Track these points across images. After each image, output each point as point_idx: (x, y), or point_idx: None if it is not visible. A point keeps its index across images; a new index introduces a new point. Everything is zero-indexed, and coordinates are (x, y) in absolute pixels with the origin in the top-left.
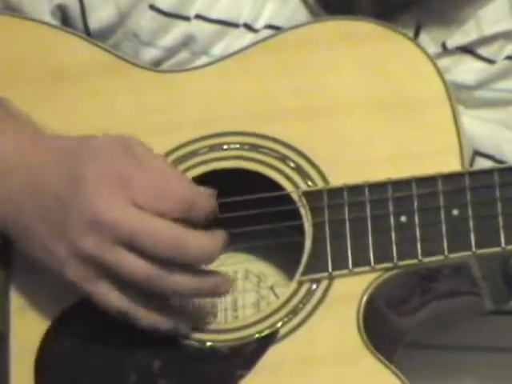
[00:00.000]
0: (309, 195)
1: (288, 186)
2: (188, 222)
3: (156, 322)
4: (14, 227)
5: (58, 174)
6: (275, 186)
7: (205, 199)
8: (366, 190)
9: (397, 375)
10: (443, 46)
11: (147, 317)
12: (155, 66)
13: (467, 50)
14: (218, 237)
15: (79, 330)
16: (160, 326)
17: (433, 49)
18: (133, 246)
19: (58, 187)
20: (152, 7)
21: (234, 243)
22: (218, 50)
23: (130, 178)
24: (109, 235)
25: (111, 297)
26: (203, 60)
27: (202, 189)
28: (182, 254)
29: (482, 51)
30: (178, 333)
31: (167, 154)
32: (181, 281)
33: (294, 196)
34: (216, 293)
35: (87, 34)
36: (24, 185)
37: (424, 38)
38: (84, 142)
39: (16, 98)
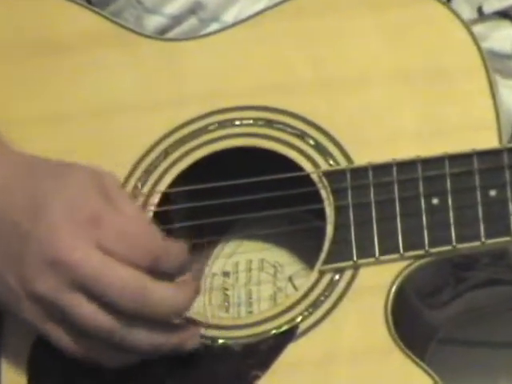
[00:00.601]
0: (330, 176)
1: (307, 166)
2: (155, 275)
3: (122, 363)
4: None
5: (21, 200)
6: (293, 166)
7: (177, 251)
8: (394, 169)
9: (428, 373)
10: (479, 10)
11: (110, 360)
12: (160, 35)
13: (505, 14)
14: (187, 289)
15: None
16: (128, 364)
17: (468, 14)
18: (92, 293)
19: (18, 215)
20: None
21: (248, 229)
22: (229, 16)
23: (99, 218)
24: (67, 277)
25: (66, 342)
26: (213, 28)
27: (173, 241)
28: (146, 306)
29: None
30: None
31: (174, 131)
32: (142, 337)
33: (314, 177)
34: (180, 349)
35: (87, 1)
36: None
37: (458, 1)
38: (54, 169)
39: (10, 70)
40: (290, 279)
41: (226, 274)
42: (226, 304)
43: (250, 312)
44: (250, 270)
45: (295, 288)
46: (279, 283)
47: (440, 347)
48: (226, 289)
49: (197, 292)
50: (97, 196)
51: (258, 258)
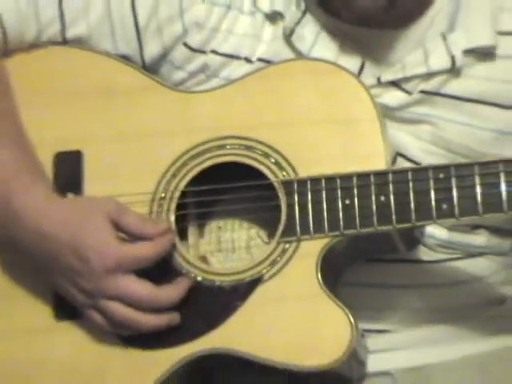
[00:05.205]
0: (285, 183)
1: (271, 176)
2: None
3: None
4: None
5: (63, 236)
6: (260, 175)
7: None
8: (323, 181)
9: (343, 310)
10: (378, 79)
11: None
12: (181, 83)
13: (394, 83)
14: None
15: None
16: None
17: (371, 81)
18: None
19: (61, 246)
20: (185, 44)
21: (240, 217)
22: (224, 73)
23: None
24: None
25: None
26: (214, 81)
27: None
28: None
29: (404, 86)
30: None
31: (185, 152)
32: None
33: (275, 183)
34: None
35: (143, 64)
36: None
37: (366, 72)
38: (81, 216)
39: (78, 109)
40: (258, 234)
41: (219, 228)
42: (219, 246)
43: (233, 252)
44: (233, 229)
45: (262, 240)
46: (252, 236)
47: (351, 288)
48: (219, 236)
49: (188, 286)
50: (113, 241)
51: (238, 222)
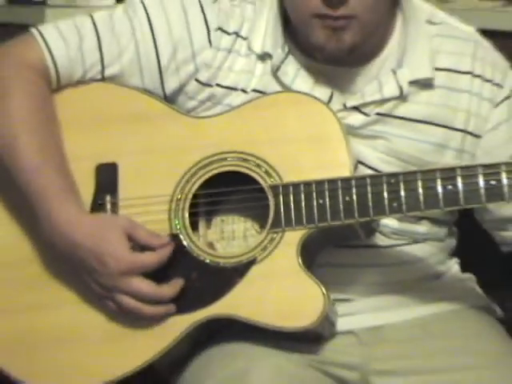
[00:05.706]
0: (272, 187)
1: (261, 181)
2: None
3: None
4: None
5: (89, 245)
6: (253, 180)
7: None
8: (302, 185)
9: (319, 285)
10: (344, 105)
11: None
12: (193, 110)
13: (356, 108)
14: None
15: None
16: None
17: (338, 106)
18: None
19: (87, 253)
20: (196, 80)
21: (238, 213)
22: (227, 101)
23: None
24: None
25: (110, 306)
26: (218, 107)
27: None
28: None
29: (363, 109)
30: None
31: (196, 164)
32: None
33: (265, 187)
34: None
35: (164, 96)
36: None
37: (334, 100)
38: (99, 230)
39: (113, 130)
40: (253, 226)
41: (222, 221)
42: (223, 235)
43: (233, 240)
44: (233, 222)
45: (256, 230)
46: (248, 227)
47: (318, 269)
48: (223, 228)
49: (180, 285)
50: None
51: (237, 217)
